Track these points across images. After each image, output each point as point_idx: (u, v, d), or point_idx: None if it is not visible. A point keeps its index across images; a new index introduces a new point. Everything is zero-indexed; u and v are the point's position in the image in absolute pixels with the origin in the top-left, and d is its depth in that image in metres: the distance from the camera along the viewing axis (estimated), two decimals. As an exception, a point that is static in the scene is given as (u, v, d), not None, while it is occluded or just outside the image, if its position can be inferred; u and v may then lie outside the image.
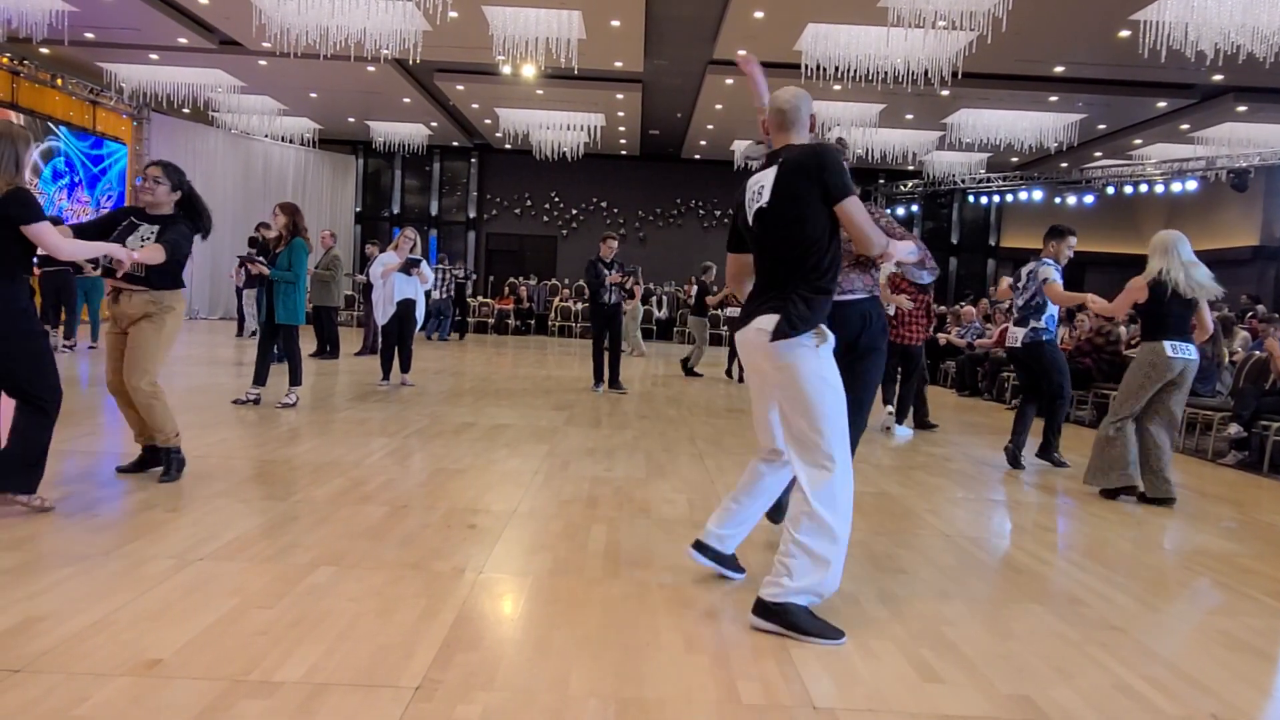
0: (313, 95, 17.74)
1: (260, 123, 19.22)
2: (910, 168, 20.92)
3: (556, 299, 20.76)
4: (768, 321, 2.84)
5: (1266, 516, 5.04)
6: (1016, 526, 4.57)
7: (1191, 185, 18.01)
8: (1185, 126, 15.92)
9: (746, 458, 5.86)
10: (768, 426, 3.13)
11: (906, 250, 3.26)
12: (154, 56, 15.09)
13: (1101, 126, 16.76)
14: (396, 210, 23.74)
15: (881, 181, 22.69)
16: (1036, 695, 2.46)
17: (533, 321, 20.34)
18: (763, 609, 2.81)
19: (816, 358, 2.82)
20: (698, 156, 22.62)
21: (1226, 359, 7.91)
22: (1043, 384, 6.16)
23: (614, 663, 2.53)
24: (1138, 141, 17.56)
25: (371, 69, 15.22)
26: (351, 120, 20.06)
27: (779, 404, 2.93)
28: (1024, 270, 6.22)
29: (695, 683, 2.43)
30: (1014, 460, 6.06)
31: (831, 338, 2.88)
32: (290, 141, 20.89)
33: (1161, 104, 15.05)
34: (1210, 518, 5.03)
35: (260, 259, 7.16)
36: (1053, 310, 6.03)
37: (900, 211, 22.53)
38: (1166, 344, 5.00)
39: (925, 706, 2.36)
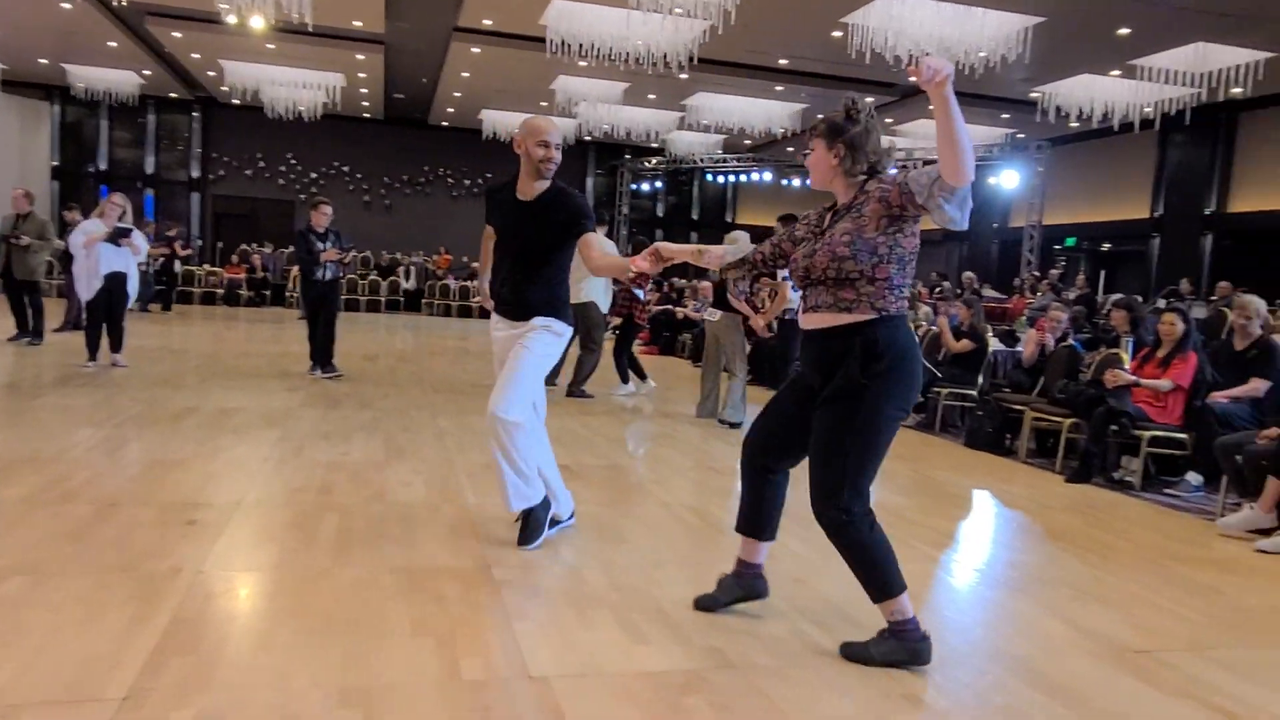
0: (-7, 31, 15.54)
1: (-75, 58, 16.57)
2: (654, 145, 21.75)
3: (294, 268, 19.65)
4: None
5: (933, 471, 5.90)
6: (730, 493, 5.03)
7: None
8: (889, 120, 17.77)
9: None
10: None
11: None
12: None
13: (820, 116, 18.27)
14: (104, 166, 21.42)
15: (627, 157, 23.41)
16: (726, 646, 2.81)
17: (268, 292, 19.13)
18: None
19: None
20: (445, 124, 22.18)
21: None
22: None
23: (339, 653, 2.60)
24: (851, 131, 19.34)
25: (67, 6, 13.60)
26: (44, 62, 17.79)
27: None
28: None
29: (419, 665, 2.55)
30: None
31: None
32: (-36, 82, 18.21)
33: (869, 99, 16.63)
34: (889, 475, 5.80)
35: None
36: None
37: (645, 188, 23.40)
38: None
39: (631, 666, 2.63)
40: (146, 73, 18.24)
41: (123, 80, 18.41)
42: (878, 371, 2.61)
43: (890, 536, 4.24)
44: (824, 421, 2.69)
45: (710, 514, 4.45)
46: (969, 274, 15.48)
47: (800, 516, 4.44)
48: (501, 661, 2.60)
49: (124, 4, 12.58)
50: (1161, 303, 12.24)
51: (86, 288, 8.05)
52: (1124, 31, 11.90)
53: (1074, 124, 15.83)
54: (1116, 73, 13.49)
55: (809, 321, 2.77)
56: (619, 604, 3.11)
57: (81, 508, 3.85)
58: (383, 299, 19.68)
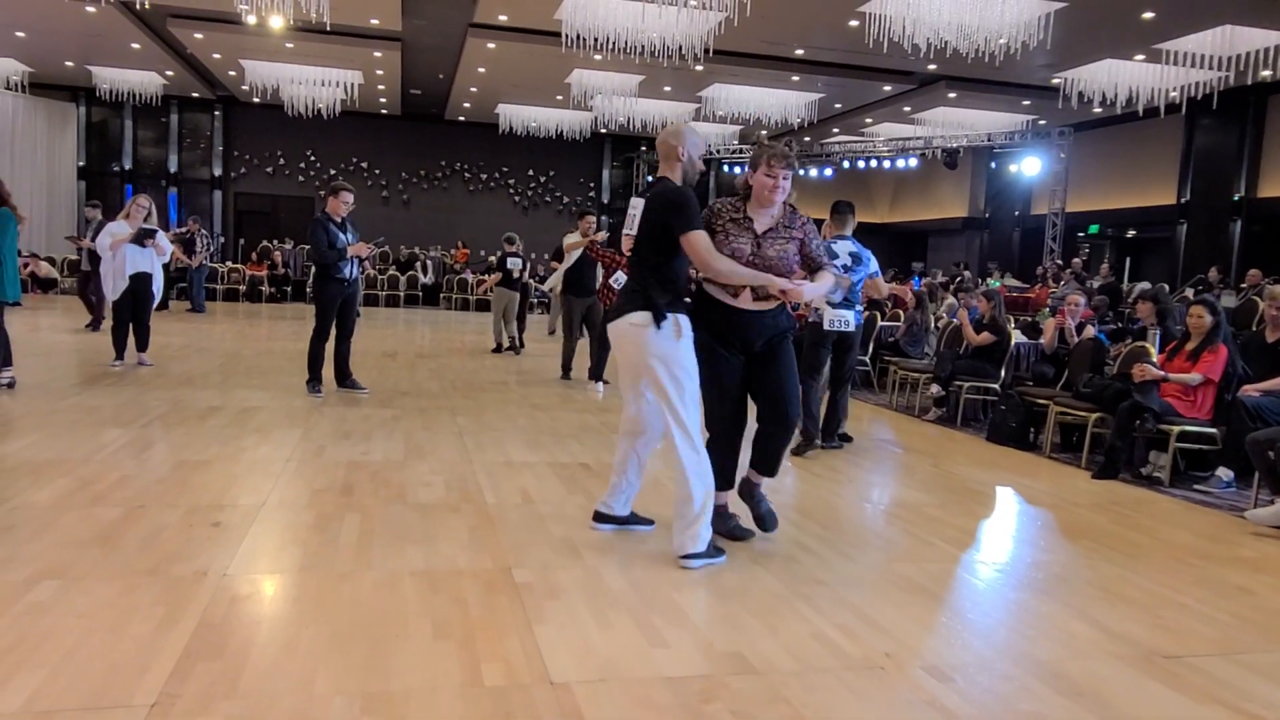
0: (20, 35, 15.71)
1: (-47, 62, 16.78)
2: (671, 137, 21.63)
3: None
4: (640, 317, 3.50)
5: (955, 467, 5.86)
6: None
7: (913, 162, 20.00)
8: (907, 109, 17.61)
9: (508, 434, 6.01)
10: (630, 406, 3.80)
11: (814, 290, 3.72)
12: None
13: (838, 106, 18.18)
14: (129, 165, 21.63)
15: (644, 149, 23.35)
16: (747, 650, 2.80)
17: (289, 289, 19.27)
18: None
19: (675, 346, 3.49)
20: (462, 118, 22.22)
21: (933, 324, 8.96)
22: (847, 364, 6.18)
23: (362, 657, 2.61)
24: (869, 120, 19.21)
25: (91, 9, 13.72)
26: (70, 64, 17.98)
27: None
28: (842, 249, 5.91)
29: (441, 669, 2.56)
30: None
31: (687, 329, 3.53)
32: (-8, 85, 18.43)
33: (887, 88, 16.55)
34: (910, 470, 5.77)
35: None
36: None
37: (662, 179, 23.26)
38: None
39: (651, 671, 2.63)
40: (169, 73, 18.39)
41: (146, 81, 18.59)
42: None
43: (910, 534, 4.23)
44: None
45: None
46: (993, 264, 15.31)
47: (819, 517, 4.44)
48: (523, 666, 2.61)
49: (146, 7, 12.65)
50: (1189, 292, 12.08)
51: (111, 288, 8.15)
52: (1148, 16, 11.71)
53: (1097, 109, 15.60)
54: (1141, 57, 13.28)
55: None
56: (637, 605, 3.11)
57: (110, 510, 3.90)
58: (401, 294, 19.77)
